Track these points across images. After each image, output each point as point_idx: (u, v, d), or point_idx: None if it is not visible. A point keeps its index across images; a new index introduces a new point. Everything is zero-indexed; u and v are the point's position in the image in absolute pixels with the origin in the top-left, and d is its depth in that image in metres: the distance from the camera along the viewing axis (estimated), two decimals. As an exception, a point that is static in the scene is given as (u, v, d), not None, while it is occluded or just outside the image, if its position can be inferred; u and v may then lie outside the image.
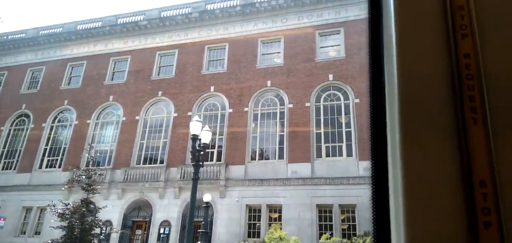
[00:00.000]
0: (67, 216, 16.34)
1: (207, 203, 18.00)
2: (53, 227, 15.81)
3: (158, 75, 26.31)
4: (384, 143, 0.76)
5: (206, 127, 12.27)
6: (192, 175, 11.87)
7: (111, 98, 26.26)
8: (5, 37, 32.20)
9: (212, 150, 22.18)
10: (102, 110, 26.35)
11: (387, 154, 0.74)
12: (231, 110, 23.01)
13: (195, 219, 19.80)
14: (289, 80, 22.59)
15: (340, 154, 20.02)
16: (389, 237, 0.71)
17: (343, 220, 18.43)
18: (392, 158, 0.70)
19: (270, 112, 22.50)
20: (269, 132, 21.93)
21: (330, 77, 21.91)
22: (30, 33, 31.53)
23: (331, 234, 16.63)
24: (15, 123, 28.36)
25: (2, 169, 26.75)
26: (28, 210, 24.08)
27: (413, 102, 0.69)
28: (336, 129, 20.68)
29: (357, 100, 20.72)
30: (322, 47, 23.48)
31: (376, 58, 0.85)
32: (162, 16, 27.71)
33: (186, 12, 27.21)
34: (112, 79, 27.43)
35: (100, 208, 17.86)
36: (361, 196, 17.75)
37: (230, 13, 25.86)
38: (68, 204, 16.76)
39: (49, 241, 15.59)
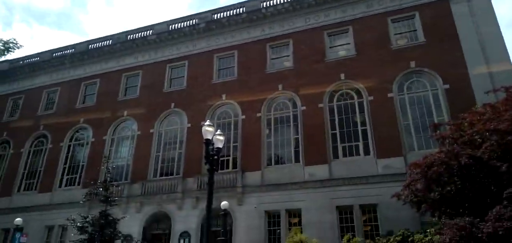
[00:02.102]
0: (87, 229, 16.47)
1: (225, 210, 17.93)
2: (73, 241, 15.95)
3: (170, 87, 26.56)
4: None
5: (219, 131, 12.19)
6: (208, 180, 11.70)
7: (125, 113, 26.62)
8: (21, 62, 33.10)
9: (227, 158, 22.22)
10: (117, 126, 26.72)
11: None
12: (243, 117, 22.99)
13: (214, 228, 19.85)
14: (300, 82, 22.45)
15: (358, 154, 19.68)
16: None
17: (365, 221, 18.03)
18: None
19: (283, 116, 22.39)
20: (283, 136, 21.81)
21: (342, 76, 21.69)
22: (44, 56, 32.31)
23: (353, 236, 16.30)
24: (34, 144, 29.05)
25: (24, 190, 27.37)
26: (50, 229, 24.52)
27: None
28: (352, 128, 20.39)
29: (371, 98, 20.42)
30: (332, 47, 23.30)
31: None
32: (170, 29, 28.01)
33: (193, 23, 27.43)
34: (125, 95, 27.82)
35: (118, 220, 17.97)
36: (382, 195, 17.31)
37: (237, 20, 25.94)
38: (87, 217, 16.94)
39: None
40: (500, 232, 9.65)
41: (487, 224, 10.05)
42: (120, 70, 28.75)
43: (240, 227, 19.85)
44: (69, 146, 27.54)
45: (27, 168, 28.19)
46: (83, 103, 29.01)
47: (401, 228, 15.78)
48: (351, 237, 15.75)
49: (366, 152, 19.48)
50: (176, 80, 26.83)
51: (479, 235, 10.01)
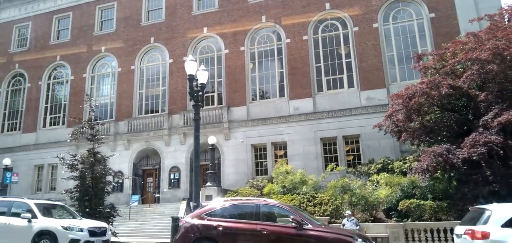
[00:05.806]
0: (77, 166, 16.53)
1: (212, 145, 18.30)
2: (65, 179, 16.14)
3: (148, 20, 25.32)
4: None
5: (202, 66, 11.98)
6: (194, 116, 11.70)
7: (103, 49, 25.56)
8: (-17, -5, 30.49)
9: (212, 93, 22.12)
10: (96, 62, 25.80)
11: None
12: (227, 51, 22.47)
13: (203, 163, 20.39)
14: (284, 13, 21.74)
15: (342, 86, 19.89)
16: None
17: (347, 151, 18.82)
18: None
19: (267, 49, 21.98)
20: (268, 71, 21.63)
21: (327, 6, 21.04)
22: (8, -13, 29.76)
23: (336, 165, 17.07)
24: (11, 83, 28.00)
25: (7, 130, 26.94)
26: (39, 168, 24.70)
27: None
28: (336, 61, 20.34)
29: (356, 28, 20.10)
30: (317, -26, 22.20)
31: None
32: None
33: None
34: (101, 29, 26.47)
35: (107, 157, 18.06)
36: (364, 126, 17.92)
37: None
38: (76, 155, 16.93)
39: (63, 191, 15.94)
40: (474, 157, 10.27)
41: (463, 150, 10.63)
42: (94, 2, 26.96)
43: (228, 160, 20.45)
44: (48, 84, 26.69)
45: (7, 108, 27.46)
46: (58, 39, 27.54)
47: (382, 156, 16.63)
48: (334, 166, 16.47)
49: (350, 85, 19.68)
50: (154, 12, 25.50)
51: (455, 161, 10.63)
